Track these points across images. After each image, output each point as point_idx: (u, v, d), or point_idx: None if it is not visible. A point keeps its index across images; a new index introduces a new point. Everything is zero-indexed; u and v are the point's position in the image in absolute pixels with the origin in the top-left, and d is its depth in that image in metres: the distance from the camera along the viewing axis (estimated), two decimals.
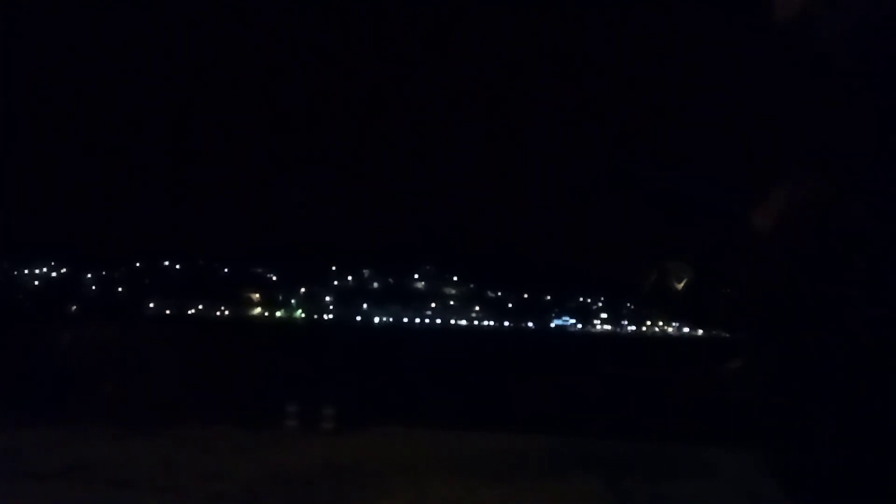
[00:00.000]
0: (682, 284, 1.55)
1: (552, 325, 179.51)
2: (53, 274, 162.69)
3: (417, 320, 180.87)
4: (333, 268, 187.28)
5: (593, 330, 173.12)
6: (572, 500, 6.30)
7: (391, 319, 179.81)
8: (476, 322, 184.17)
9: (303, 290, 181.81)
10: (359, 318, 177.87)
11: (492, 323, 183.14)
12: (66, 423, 8.76)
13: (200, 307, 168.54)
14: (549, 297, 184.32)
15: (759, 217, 1.32)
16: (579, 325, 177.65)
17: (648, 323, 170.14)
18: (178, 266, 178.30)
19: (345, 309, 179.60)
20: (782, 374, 1.38)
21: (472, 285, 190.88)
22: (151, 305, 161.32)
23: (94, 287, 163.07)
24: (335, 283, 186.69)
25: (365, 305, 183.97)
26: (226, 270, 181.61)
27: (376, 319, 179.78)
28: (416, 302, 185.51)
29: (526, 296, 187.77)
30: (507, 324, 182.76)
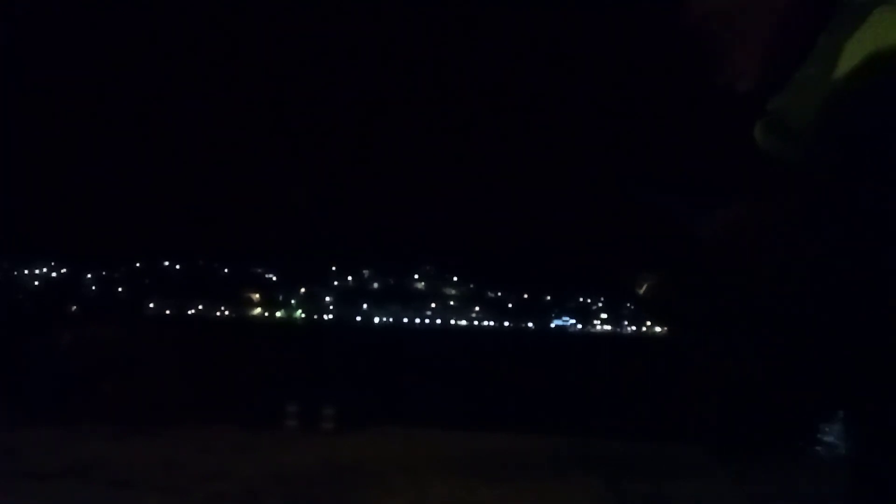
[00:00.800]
0: (644, 288, 1.70)
1: (552, 325, 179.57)
2: (53, 274, 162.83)
3: (417, 320, 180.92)
4: (333, 268, 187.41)
5: (593, 330, 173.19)
6: (572, 500, 6.30)
7: (391, 319, 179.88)
8: (476, 322, 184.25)
9: (303, 290, 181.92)
10: (359, 318, 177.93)
11: (492, 323, 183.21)
12: (66, 423, 8.76)
13: (200, 307, 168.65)
14: (549, 297, 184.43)
15: (726, 227, 1.47)
16: (579, 326, 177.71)
17: (649, 323, 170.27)
18: (178, 266, 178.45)
19: (345, 309, 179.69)
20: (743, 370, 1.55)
21: (472, 285, 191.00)
22: (151, 305, 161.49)
23: (94, 287, 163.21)
24: (335, 283, 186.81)
25: (365, 305, 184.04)
26: (226, 270, 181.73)
27: (376, 319, 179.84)
28: (416, 302, 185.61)
29: (526, 296, 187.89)
30: (507, 324, 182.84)
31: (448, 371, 29.10)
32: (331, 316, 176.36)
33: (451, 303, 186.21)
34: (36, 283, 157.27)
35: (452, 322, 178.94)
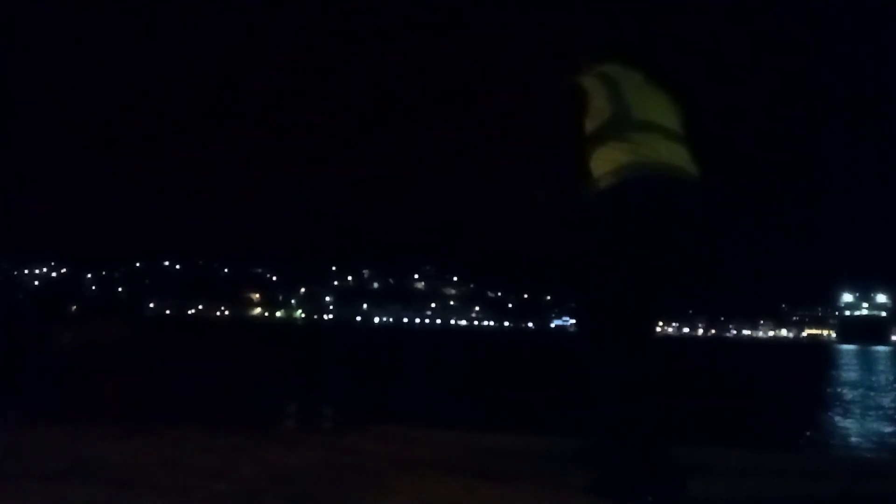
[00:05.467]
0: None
1: (552, 325, 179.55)
2: (53, 274, 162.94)
3: (417, 320, 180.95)
4: (333, 268, 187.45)
5: None
6: (572, 500, 6.32)
7: (391, 319, 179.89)
8: (476, 322, 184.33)
9: (303, 290, 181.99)
10: (359, 319, 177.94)
11: (492, 323, 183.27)
12: (66, 423, 8.79)
13: (200, 307, 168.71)
14: (549, 297, 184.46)
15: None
16: None
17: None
18: (178, 266, 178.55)
19: (345, 309, 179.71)
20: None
21: (472, 285, 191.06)
22: (151, 305, 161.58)
23: (94, 287, 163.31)
24: (335, 283, 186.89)
25: (365, 305, 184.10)
26: (226, 270, 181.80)
27: (376, 319, 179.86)
28: (416, 302, 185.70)
29: (526, 296, 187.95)
30: (507, 324, 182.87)
31: (448, 371, 29.11)
32: (331, 316, 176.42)
33: (451, 303, 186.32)
34: (36, 283, 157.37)
35: (452, 322, 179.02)
